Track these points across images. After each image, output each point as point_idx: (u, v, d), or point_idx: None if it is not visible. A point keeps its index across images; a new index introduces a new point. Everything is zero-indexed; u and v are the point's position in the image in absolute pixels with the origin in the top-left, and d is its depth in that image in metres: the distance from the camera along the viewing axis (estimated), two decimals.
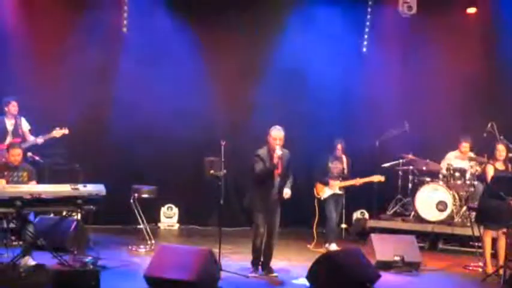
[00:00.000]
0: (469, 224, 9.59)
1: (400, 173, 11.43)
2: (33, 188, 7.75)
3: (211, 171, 8.91)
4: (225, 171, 8.45)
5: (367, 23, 12.43)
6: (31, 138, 10.19)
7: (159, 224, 12.04)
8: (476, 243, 9.24)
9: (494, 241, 8.61)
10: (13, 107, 10.14)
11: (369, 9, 12.37)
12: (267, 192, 8.14)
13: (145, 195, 9.79)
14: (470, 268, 9.05)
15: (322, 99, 11.98)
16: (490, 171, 8.84)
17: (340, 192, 10.24)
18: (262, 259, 8.30)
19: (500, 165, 8.90)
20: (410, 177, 11.38)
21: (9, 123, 10.17)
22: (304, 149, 10.97)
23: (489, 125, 10.43)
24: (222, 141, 8.29)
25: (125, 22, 11.78)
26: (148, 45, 11.65)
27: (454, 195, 10.76)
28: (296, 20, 12.07)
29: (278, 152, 8.01)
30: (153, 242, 9.66)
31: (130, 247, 9.56)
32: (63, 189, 7.63)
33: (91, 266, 7.83)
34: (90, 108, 11.22)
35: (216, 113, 11.77)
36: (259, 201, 8.15)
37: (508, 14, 11.58)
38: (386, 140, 11.42)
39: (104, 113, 11.43)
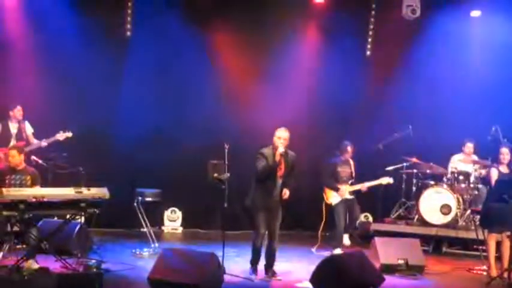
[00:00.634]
0: (473, 228, 9.58)
1: (404, 176, 11.43)
2: (37, 191, 7.76)
3: (215, 175, 8.90)
4: (228, 174, 8.44)
5: (371, 26, 12.42)
6: (35, 142, 10.21)
7: (163, 228, 12.04)
8: (480, 247, 9.22)
9: (499, 244, 8.59)
10: (18, 111, 10.18)
11: (373, 13, 12.37)
12: (268, 192, 8.12)
13: (149, 199, 9.80)
14: (475, 271, 9.02)
15: (326, 102, 11.99)
16: (494, 175, 8.83)
17: (350, 197, 10.18)
18: (265, 262, 8.29)
19: (504, 169, 8.89)
20: (414, 180, 11.37)
21: (13, 127, 10.21)
22: (309, 152, 10.97)
23: (493, 129, 10.42)
24: (226, 145, 8.29)
25: (129, 26, 11.80)
26: (152, 49, 11.66)
27: (458, 199, 10.74)
28: (302, 23, 12.07)
29: (280, 149, 7.99)
30: (156, 245, 9.66)
31: (133, 250, 9.55)
32: (67, 192, 7.62)
33: (94, 270, 7.79)
34: (94, 112, 11.22)
35: (220, 116, 11.76)
36: (261, 201, 8.13)
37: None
38: (390, 144, 11.41)
39: (107, 116, 11.43)
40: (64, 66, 11.19)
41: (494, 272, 8.49)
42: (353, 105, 12.22)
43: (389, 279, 7.94)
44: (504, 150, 8.98)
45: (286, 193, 8.17)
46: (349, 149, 10.24)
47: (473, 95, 11.80)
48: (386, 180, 10.36)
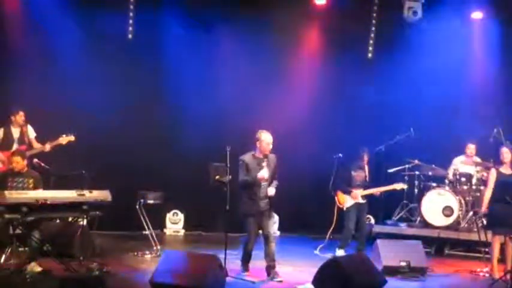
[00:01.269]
0: (475, 229, 9.57)
1: (406, 178, 11.40)
2: (39, 193, 7.77)
3: (217, 177, 8.91)
4: (230, 176, 8.45)
5: (373, 28, 12.42)
6: (38, 146, 10.22)
7: (165, 230, 12.03)
8: (482, 249, 9.21)
9: (502, 246, 8.58)
10: (20, 117, 10.19)
11: (374, 15, 12.37)
12: (255, 197, 8.25)
13: (151, 201, 9.80)
14: (477, 273, 9.01)
15: (327, 105, 11.99)
16: (492, 177, 8.83)
17: (362, 201, 10.13)
18: (266, 264, 8.31)
19: (506, 170, 8.86)
20: (416, 182, 11.38)
21: (16, 131, 10.22)
22: (311, 154, 10.96)
23: (495, 130, 10.42)
24: (228, 147, 8.30)
25: (130, 28, 11.81)
26: (154, 50, 11.67)
27: (460, 200, 10.74)
28: (303, 24, 12.08)
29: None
30: (158, 247, 9.65)
31: (136, 253, 9.55)
32: (69, 195, 7.64)
33: (97, 272, 7.81)
34: (96, 114, 11.22)
35: (221, 119, 11.76)
36: (249, 207, 8.25)
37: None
38: (392, 146, 11.41)
39: (110, 119, 11.43)
40: (65, 69, 11.20)
41: (497, 274, 8.48)
42: (355, 107, 12.22)
43: (391, 281, 7.96)
44: (504, 150, 8.96)
45: (271, 192, 8.29)
46: (365, 156, 10.18)
47: (475, 97, 11.79)
48: (400, 185, 10.38)
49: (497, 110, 11.57)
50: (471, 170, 10.89)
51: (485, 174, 10.64)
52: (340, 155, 10.66)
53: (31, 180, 8.81)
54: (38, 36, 11.14)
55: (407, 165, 11.36)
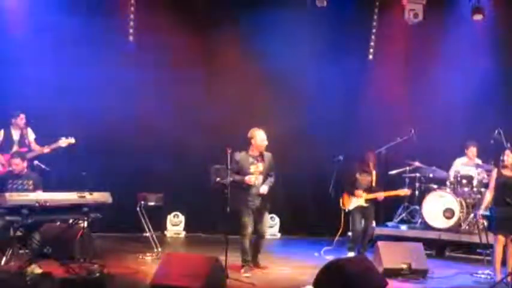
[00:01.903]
0: (476, 232, 9.55)
1: (406, 180, 11.39)
2: (40, 196, 7.76)
3: (218, 179, 8.92)
4: (231, 179, 8.46)
5: (373, 30, 12.42)
6: (37, 148, 10.21)
7: (166, 232, 12.03)
8: (484, 251, 9.19)
9: (504, 249, 8.56)
10: (21, 120, 10.21)
11: (375, 17, 12.37)
12: (248, 194, 8.38)
13: (151, 203, 9.80)
14: (478, 276, 8.99)
15: (328, 106, 11.99)
16: (492, 178, 8.81)
17: (366, 204, 10.01)
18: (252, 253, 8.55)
19: (508, 172, 8.83)
20: (417, 184, 11.35)
21: (16, 134, 10.22)
22: (311, 156, 10.94)
23: (496, 132, 10.40)
24: (228, 149, 8.30)
25: (131, 31, 11.80)
26: (155, 53, 11.66)
27: (461, 203, 10.72)
28: (304, 28, 12.08)
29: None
30: (159, 249, 9.65)
31: (136, 255, 9.54)
32: (70, 197, 7.64)
33: (97, 274, 7.80)
34: (96, 116, 11.22)
35: (222, 121, 11.75)
36: (244, 201, 8.38)
37: None
38: (393, 147, 11.39)
39: (110, 121, 11.43)
40: (66, 72, 11.20)
41: (498, 276, 8.46)
42: (355, 108, 12.22)
43: (392, 283, 7.95)
44: (507, 152, 8.94)
45: (264, 190, 8.43)
46: (370, 162, 10.14)
47: (476, 98, 11.78)
48: (404, 191, 10.35)
49: (498, 111, 11.56)
50: (472, 172, 10.87)
51: (486, 176, 10.63)
52: (341, 157, 10.67)
53: (31, 182, 8.82)
54: (38, 37, 11.14)
55: (408, 167, 11.34)
